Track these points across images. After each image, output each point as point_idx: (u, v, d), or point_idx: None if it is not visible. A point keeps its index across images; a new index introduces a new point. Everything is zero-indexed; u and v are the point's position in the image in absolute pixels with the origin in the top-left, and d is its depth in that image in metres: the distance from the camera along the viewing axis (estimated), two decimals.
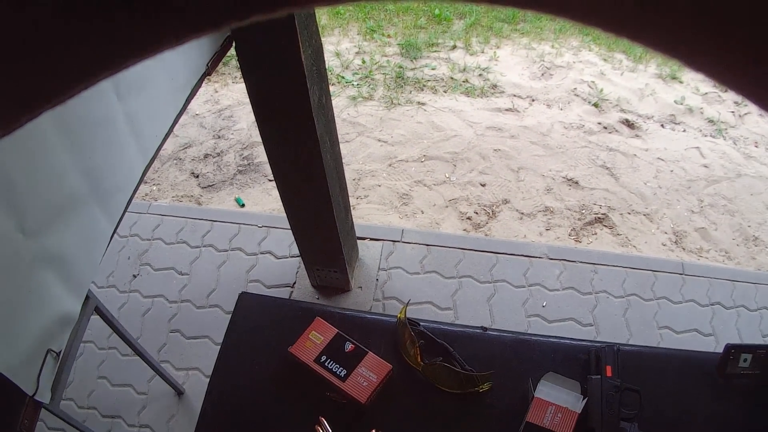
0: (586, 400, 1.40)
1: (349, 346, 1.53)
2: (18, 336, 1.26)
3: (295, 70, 1.79)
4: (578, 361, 1.52)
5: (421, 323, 1.59)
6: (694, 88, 4.36)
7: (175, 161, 3.94)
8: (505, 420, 1.43)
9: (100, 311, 1.93)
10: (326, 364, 1.49)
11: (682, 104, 4.20)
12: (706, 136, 4.01)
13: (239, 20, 0.17)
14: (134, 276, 3.23)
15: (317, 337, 1.54)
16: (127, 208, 1.56)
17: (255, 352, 1.61)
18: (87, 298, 1.74)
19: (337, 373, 1.48)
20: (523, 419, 1.38)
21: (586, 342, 1.58)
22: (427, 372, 1.46)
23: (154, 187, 3.77)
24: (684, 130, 4.04)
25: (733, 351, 1.48)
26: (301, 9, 0.17)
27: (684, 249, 3.30)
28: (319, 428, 1.43)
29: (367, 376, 1.46)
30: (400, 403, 1.48)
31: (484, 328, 1.59)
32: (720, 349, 1.47)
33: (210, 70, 1.83)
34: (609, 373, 1.44)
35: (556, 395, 1.43)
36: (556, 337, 1.60)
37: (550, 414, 1.37)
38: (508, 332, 1.61)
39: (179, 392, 2.75)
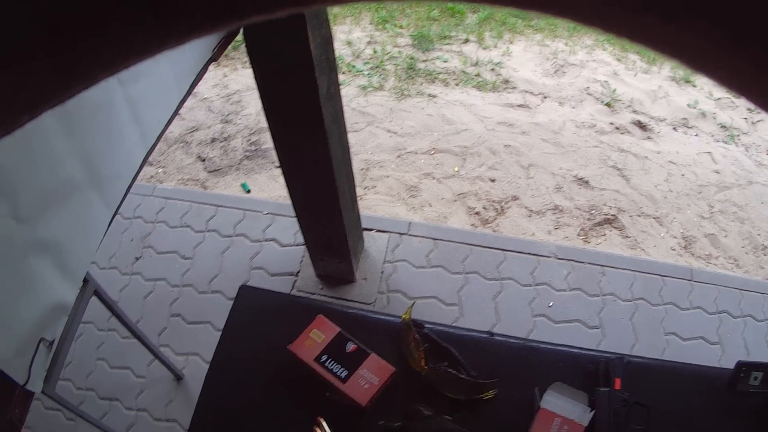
0: (593, 412, 1.36)
1: (351, 347, 1.48)
2: (10, 325, 1.23)
3: (303, 60, 1.74)
4: (586, 371, 1.47)
5: (426, 325, 1.54)
6: (708, 92, 4.28)
7: (181, 144, 3.90)
8: (509, 430, 1.39)
9: (99, 295, 1.90)
10: (327, 364, 1.45)
11: (695, 108, 4.13)
12: (718, 141, 3.93)
13: (239, 20, 0.16)
14: (137, 258, 3.20)
15: (318, 335, 1.50)
16: (126, 195, 1.52)
17: (254, 347, 1.57)
18: (86, 281, 1.71)
19: (338, 373, 1.43)
20: (528, 430, 1.34)
21: (594, 352, 1.54)
22: (431, 377, 1.42)
23: (160, 170, 3.73)
24: (696, 135, 3.97)
25: (744, 368, 1.43)
26: (302, 9, 0.17)
27: (693, 255, 3.24)
28: (318, 429, 1.40)
29: (368, 378, 1.42)
30: (401, 407, 1.44)
31: (491, 333, 1.55)
32: (725, 360, 1.44)
33: (216, 55, 1.78)
34: (618, 386, 1.40)
35: (563, 406, 1.39)
36: (564, 345, 1.55)
37: (555, 426, 1.32)
38: (515, 338, 1.56)
39: (178, 377, 2.72)
